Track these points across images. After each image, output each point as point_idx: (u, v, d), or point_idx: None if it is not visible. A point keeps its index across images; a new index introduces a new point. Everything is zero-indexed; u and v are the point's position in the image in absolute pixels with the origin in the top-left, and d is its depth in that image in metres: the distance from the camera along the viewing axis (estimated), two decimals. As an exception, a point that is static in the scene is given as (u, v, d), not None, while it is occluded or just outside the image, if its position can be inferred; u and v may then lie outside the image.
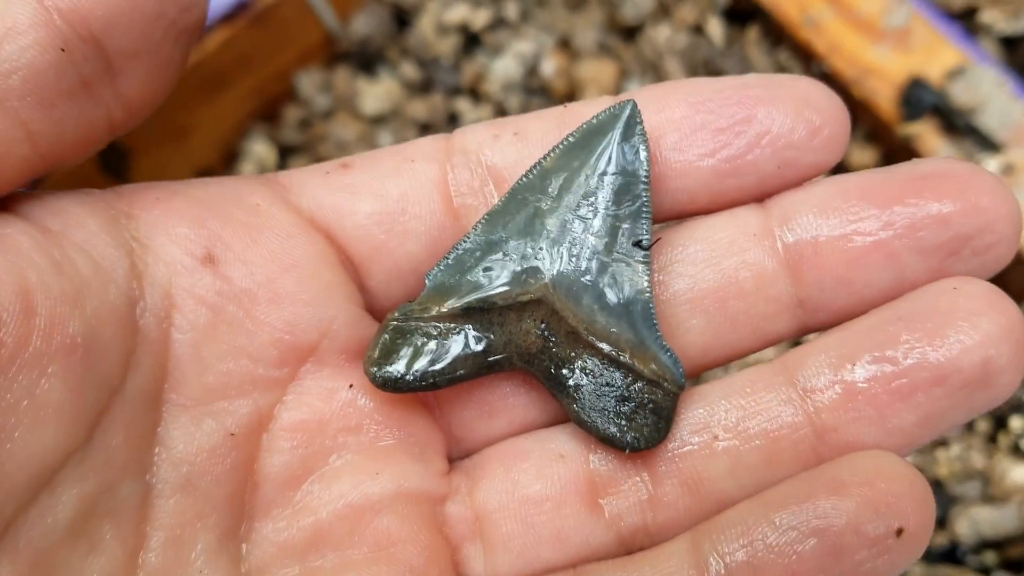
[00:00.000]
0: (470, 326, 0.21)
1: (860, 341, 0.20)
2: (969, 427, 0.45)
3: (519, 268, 0.21)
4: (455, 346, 0.21)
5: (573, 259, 0.21)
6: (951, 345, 0.19)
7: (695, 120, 0.22)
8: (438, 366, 0.21)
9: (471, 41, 0.55)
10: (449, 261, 0.22)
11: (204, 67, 0.50)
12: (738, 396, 0.21)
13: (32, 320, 0.17)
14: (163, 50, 0.19)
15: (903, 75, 0.45)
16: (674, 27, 0.51)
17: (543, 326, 0.21)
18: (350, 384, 0.22)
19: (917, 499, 0.18)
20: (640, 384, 0.21)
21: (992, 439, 0.44)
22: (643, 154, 0.21)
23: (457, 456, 0.23)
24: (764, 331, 0.22)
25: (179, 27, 0.19)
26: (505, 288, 0.21)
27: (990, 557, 0.43)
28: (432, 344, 0.21)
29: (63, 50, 0.18)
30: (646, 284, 0.21)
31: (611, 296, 0.21)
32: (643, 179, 0.21)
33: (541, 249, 0.22)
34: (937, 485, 0.44)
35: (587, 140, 0.22)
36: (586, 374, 0.21)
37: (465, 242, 0.22)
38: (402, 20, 0.56)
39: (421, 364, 0.21)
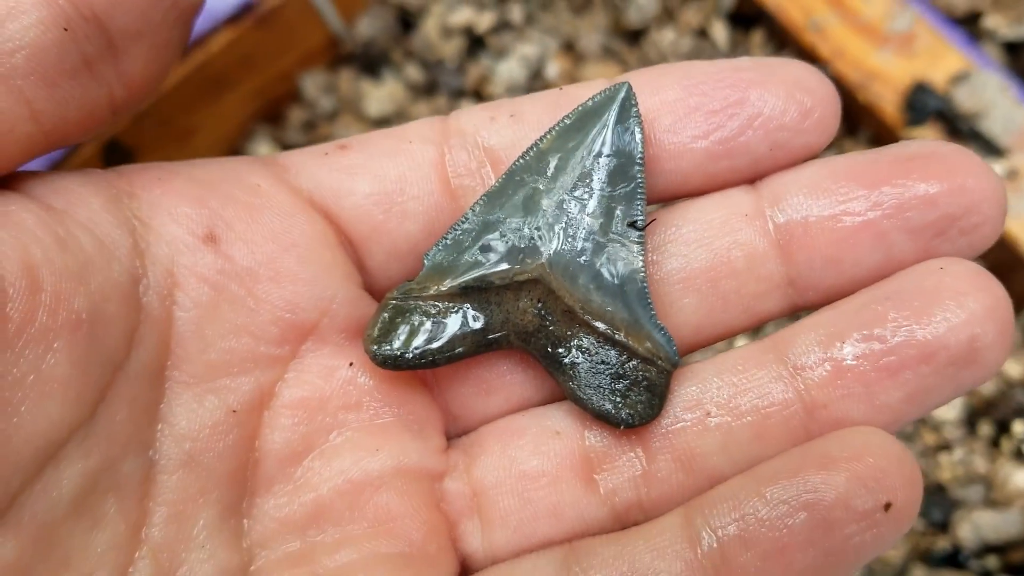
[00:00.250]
0: (468, 305, 0.22)
1: (849, 320, 0.21)
2: (972, 431, 0.45)
3: (516, 248, 0.22)
4: (453, 325, 0.22)
5: (569, 239, 0.22)
6: (938, 323, 0.20)
7: (689, 102, 0.22)
8: (437, 344, 0.21)
9: (475, 44, 0.55)
10: (447, 241, 0.22)
11: (208, 68, 0.50)
12: (730, 373, 0.21)
13: (38, 296, 0.18)
14: (163, 31, 0.20)
15: (907, 80, 0.45)
16: (678, 31, 0.52)
17: (540, 305, 0.22)
18: (350, 362, 0.22)
19: (905, 475, 0.19)
20: (634, 362, 0.21)
21: (995, 443, 0.44)
22: (638, 136, 0.22)
23: (455, 433, 0.24)
24: (755, 310, 0.22)
25: (179, 8, 0.20)
26: (502, 267, 0.22)
27: (992, 561, 0.43)
28: (431, 323, 0.22)
29: (66, 29, 0.18)
30: (641, 264, 0.21)
31: (606, 276, 0.22)
32: (638, 160, 0.22)
33: (538, 229, 0.22)
34: (940, 489, 0.44)
35: (583, 122, 0.22)
36: (582, 352, 0.21)
37: (463, 222, 0.22)
38: (406, 22, 0.56)
39: (420, 342, 0.21)
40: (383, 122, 0.54)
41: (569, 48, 0.54)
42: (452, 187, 0.23)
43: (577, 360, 0.22)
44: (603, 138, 0.22)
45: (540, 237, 0.22)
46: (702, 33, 0.52)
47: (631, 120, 0.22)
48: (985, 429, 0.44)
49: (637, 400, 0.21)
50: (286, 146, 0.55)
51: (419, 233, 0.23)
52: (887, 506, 0.18)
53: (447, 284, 0.22)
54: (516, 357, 0.23)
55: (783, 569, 0.19)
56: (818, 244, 0.21)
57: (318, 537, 0.21)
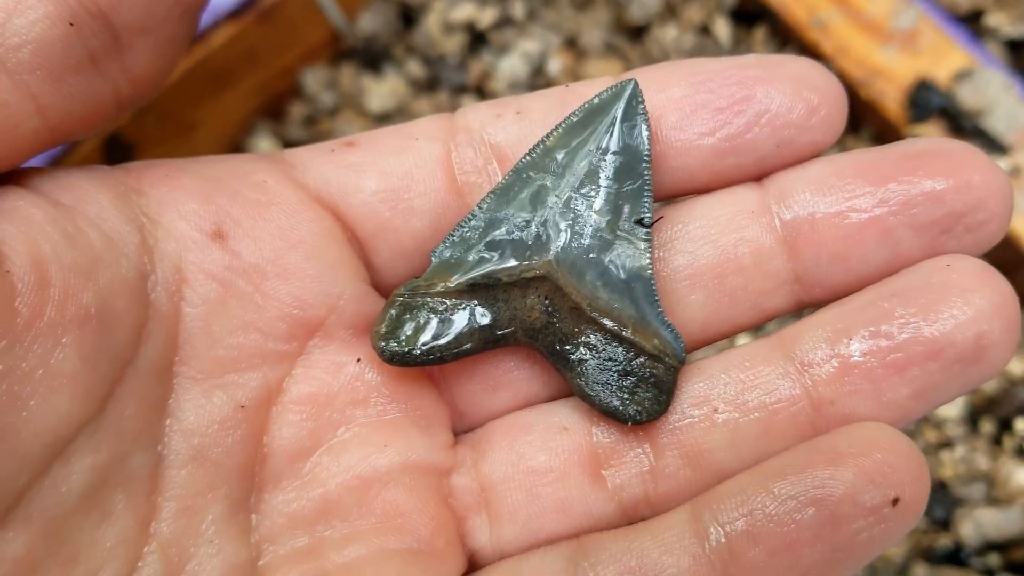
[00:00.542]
0: (475, 302, 0.22)
1: (856, 316, 0.21)
2: (974, 429, 0.45)
3: (523, 245, 0.22)
4: (461, 321, 0.22)
5: (576, 236, 0.22)
6: (945, 320, 0.20)
7: (695, 99, 0.22)
8: (444, 340, 0.22)
9: (477, 40, 0.55)
10: (454, 238, 0.22)
11: (210, 63, 0.50)
12: (737, 370, 0.21)
13: (46, 291, 0.18)
14: (168, 27, 0.20)
15: (911, 77, 0.45)
16: (681, 27, 0.51)
17: (547, 302, 0.22)
18: (357, 358, 0.22)
19: (913, 470, 0.19)
20: (642, 359, 0.21)
21: (997, 441, 0.44)
22: (644, 132, 0.22)
23: (462, 429, 0.24)
24: (762, 306, 0.22)
25: (184, 4, 0.20)
26: (509, 264, 0.22)
27: (994, 559, 0.43)
28: (438, 319, 0.22)
29: (72, 24, 0.18)
30: (647, 261, 0.22)
31: (613, 273, 0.22)
32: (644, 157, 0.22)
33: (545, 226, 0.22)
34: (942, 487, 0.44)
35: (589, 119, 0.22)
36: (589, 349, 0.22)
37: (470, 219, 0.22)
38: (408, 18, 0.56)
39: (427, 339, 0.21)
40: (384, 118, 0.54)
41: (571, 44, 0.53)
42: (459, 184, 0.23)
43: (584, 357, 0.22)
44: (610, 135, 0.22)
45: (547, 234, 0.22)
46: (704, 30, 0.52)
47: (637, 117, 0.22)
48: (987, 427, 0.44)
49: (644, 397, 0.21)
50: (287, 141, 0.54)
51: (426, 230, 0.23)
52: (895, 501, 0.18)
53: (454, 281, 0.22)
54: (523, 353, 0.23)
55: (791, 564, 0.19)
56: (824, 241, 0.21)
57: (326, 532, 0.21)
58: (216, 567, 0.20)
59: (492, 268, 0.22)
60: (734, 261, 0.22)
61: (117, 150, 0.50)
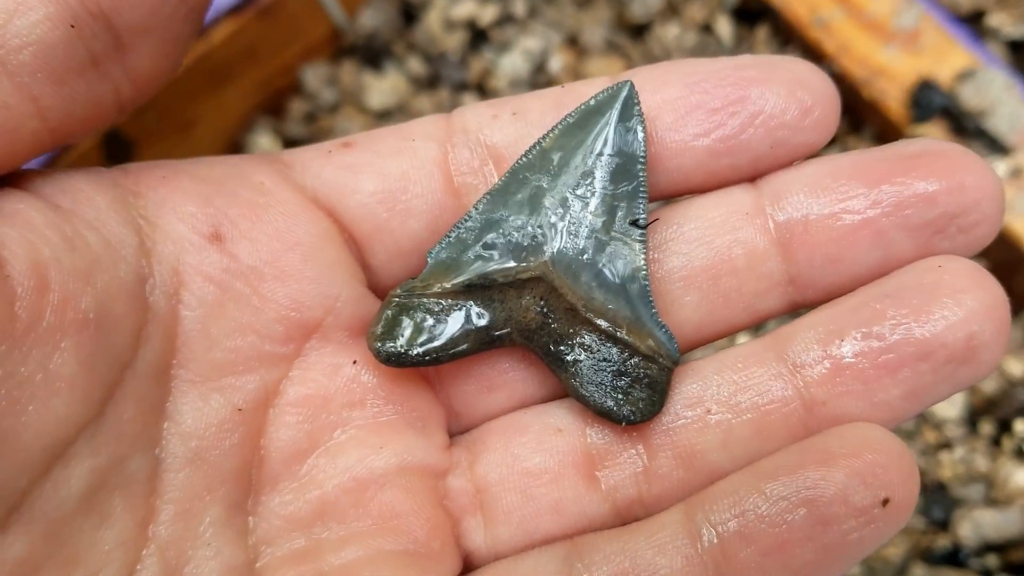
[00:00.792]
0: (471, 303, 0.22)
1: (848, 318, 0.21)
2: (973, 430, 0.45)
3: (519, 246, 0.22)
4: (456, 322, 0.22)
5: (572, 237, 0.22)
6: (936, 321, 0.20)
7: (690, 100, 0.22)
8: (440, 341, 0.22)
9: (478, 37, 0.55)
10: (451, 239, 0.22)
11: (210, 59, 0.50)
12: (730, 371, 0.22)
13: (46, 295, 0.18)
14: (171, 27, 0.20)
15: (913, 77, 0.45)
16: (683, 26, 0.51)
17: (542, 303, 0.22)
18: (354, 360, 0.22)
19: (903, 470, 0.19)
20: (636, 359, 0.21)
21: (996, 442, 0.44)
22: (640, 134, 0.22)
23: (457, 430, 0.24)
24: (756, 308, 0.22)
25: (188, 4, 0.20)
26: (505, 265, 0.22)
27: (992, 560, 0.43)
28: (434, 320, 0.22)
29: (73, 26, 0.18)
30: (642, 262, 0.22)
31: (608, 274, 0.22)
32: (640, 159, 0.22)
33: (541, 227, 0.22)
34: (940, 487, 0.44)
35: (585, 120, 0.22)
36: (584, 350, 0.22)
37: (467, 220, 0.22)
38: (409, 15, 0.56)
39: (423, 339, 0.22)
40: (385, 115, 0.54)
41: (572, 42, 0.53)
42: (455, 185, 0.23)
43: (579, 358, 0.22)
44: (605, 137, 0.22)
45: (543, 235, 0.22)
46: (706, 28, 0.52)
47: (633, 119, 0.22)
48: (986, 428, 0.44)
49: (639, 397, 0.21)
50: (287, 138, 0.54)
51: (423, 231, 0.23)
52: (885, 502, 0.19)
53: (450, 282, 0.22)
54: (518, 354, 0.23)
55: (782, 564, 0.19)
56: (818, 242, 0.21)
57: (323, 534, 0.21)
58: (214, 569, 0.20)
59: (488, 269, 0.22)
60: (728, 263, 0.22)
61: (116, 147, 0.50)
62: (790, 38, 0.49)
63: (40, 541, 0.18)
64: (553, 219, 0.22)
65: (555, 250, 0.22)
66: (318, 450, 0.22)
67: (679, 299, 0.22)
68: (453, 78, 0.54)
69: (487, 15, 0.54)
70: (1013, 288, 0.45)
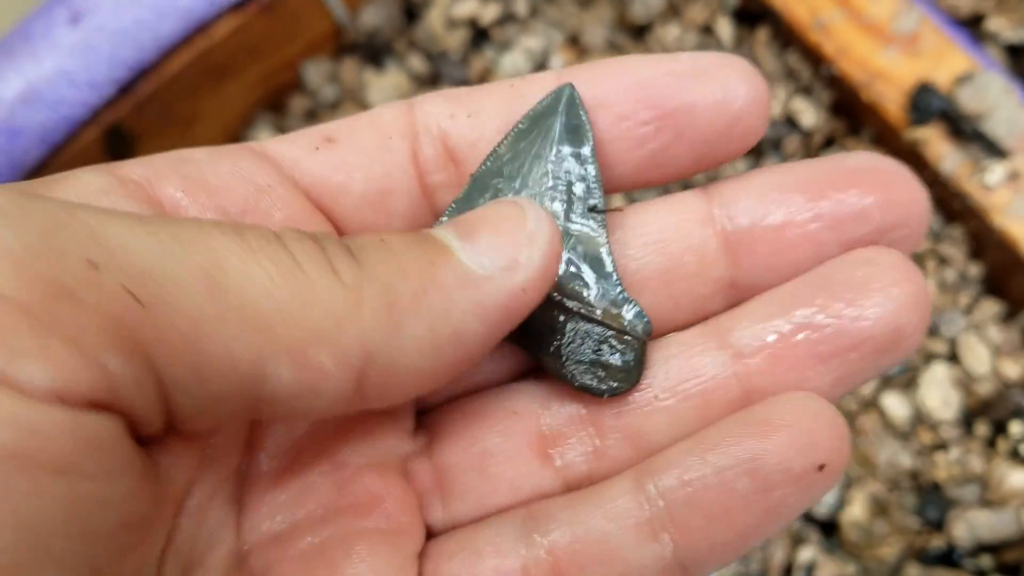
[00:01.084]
0: None
1: (786, 308, 0.22)
2: (968, 431, 0.45)
3: None
4: None
5: None
6: (867, 316, 0.21)
7: (623, 109, 0.23)
8: None
9: (480, 35, 0.55)
10: None
11: (212, 55, 0.50)
12: (676, 358, 0.23)
13: None
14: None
15: (911, 80, 0.45)
16: (683, 27, 0.51)
17: None
18: None
19: (837, 436, 0.20)
20: (610, 336, 0.23)
21: (991, 444, 0.45)
22: (587, 132, 0.23)
23: (420, 410, 0.24)
24: (702, 309, 0.24)
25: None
26: None
27: (986, 560, 0.43)
28: None
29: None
30: (605, 241, 0.23)
31: (575, 258, 0.23)
32: (589, 156, 0.23)
33: None
34: (935, 488, 0.45)
35: (534, 124, 0.23)
36: (559, 332, 0.23)
37: (441, 222, 0.23)
38: (411, 13, 0.56)
39: None
40: (386, 113, 0.54)
41: (574, 42, 0.54)
42: (426, 184, 0.23)
43: (557, 339, 0.23)
44: (554, 138, 0.23)
45: None
46: (707, 30, 0.52)
47: (578, 119, 0.23)
48: (982, 429, 0.45)
49: (616, 372, 0.22)
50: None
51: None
52: (821, 467, 0.20)
53: None
54: None
55: (727, 527, 0.20)
56: (762, 251, 0.23)
57: (302, 515, 0.22)
58: (219, 556, 0.20)
59: None
60: (680, 268, 0.23)
61: (118, 141, 0.50)
62: (790, 40, 0.49)
63: None
64: None
65: None
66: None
67: None
68: (454, 76, 0.54)
69: (489, 14, 0.54)
70: (1011, 290, 0.45)
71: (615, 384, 0.22)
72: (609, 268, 0.23)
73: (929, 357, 0.46)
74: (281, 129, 0.55)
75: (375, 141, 0.23)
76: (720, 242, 0.23)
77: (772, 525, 0.20)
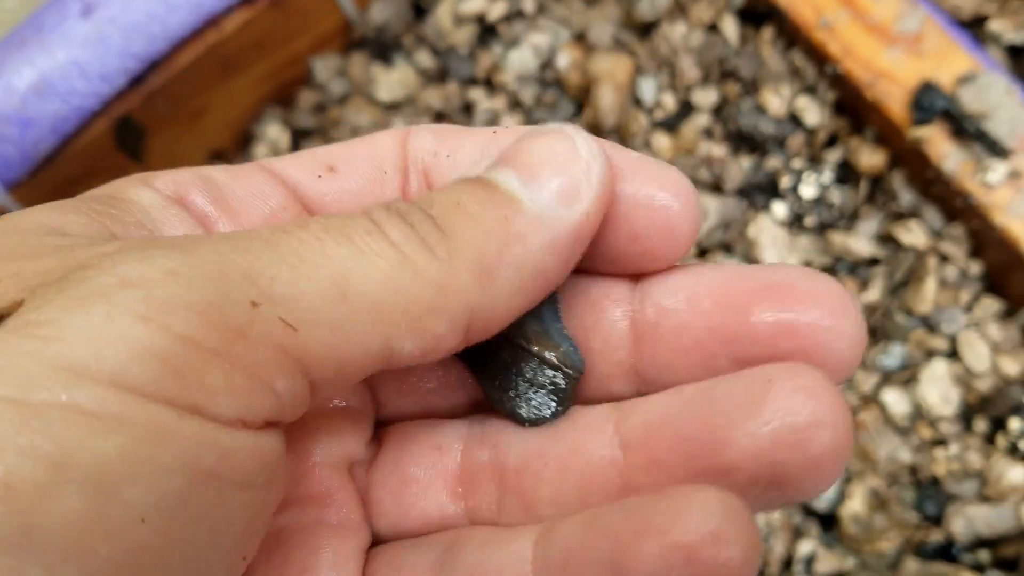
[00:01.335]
0: None
1: (672, 415, 0.20)
2: (968, 427, 0.46)
3: None
4: None
5: None
6: (754, 439, 0.18)
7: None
8: None
9: (487, 32, 0.55)
10: None
11: (221, 49, 0.51)
12: (568, 431, 0.22)
13: None
14: None
15: (915, 79, 0.45)
16: (690, 25, 0.52)
17: None
18: None
19: (745, 539, 0.17)
20: (546, 370, 0.23)
21: (990, 440, 0.45)
22: None
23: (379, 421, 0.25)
24: (605, 389, 0.23)
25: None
26: None
27: (984, 555, 0.44)
28: None
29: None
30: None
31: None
32: None
33: None
34: (934, 483, 0.45)
35: None
36: (503, 364, 0.24)
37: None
38: (419, 9, 0.56)
39: None
40: (393, 107, 0.54)
41: (580, 39, 0.54)
42: None
43: (499, 370, 0.24)
44: None
45: None
46: (713, 28, 0.52)
47: None
48: (981, 425, 0.45)
49: (544, 403, 0.23)
50: (296, 128, 0.55)
51: None
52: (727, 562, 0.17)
53: None
54: (436, 368, 0.25)
55: None
56: (664, 348, 0.22)
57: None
58: None
59: None
60: (585, 344, 0.23)
61: (128, 133, 0.50)
62: (795, 39, 0.50)
63: None
64: None
65: None
66: None
67: None
68: (462, 72, 0.54)
69: (496, 10, 0.54)
70: (1011, 288, 0.46)
71: (540, 415, 0.23)
72: (555, 308, 0.23)
73: (929, 353, 0.47)
74: (289, 123, 0.55)
75: (371, 173, 0.24)
76: (629, 328, 0.22)
77: None
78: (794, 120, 0.50)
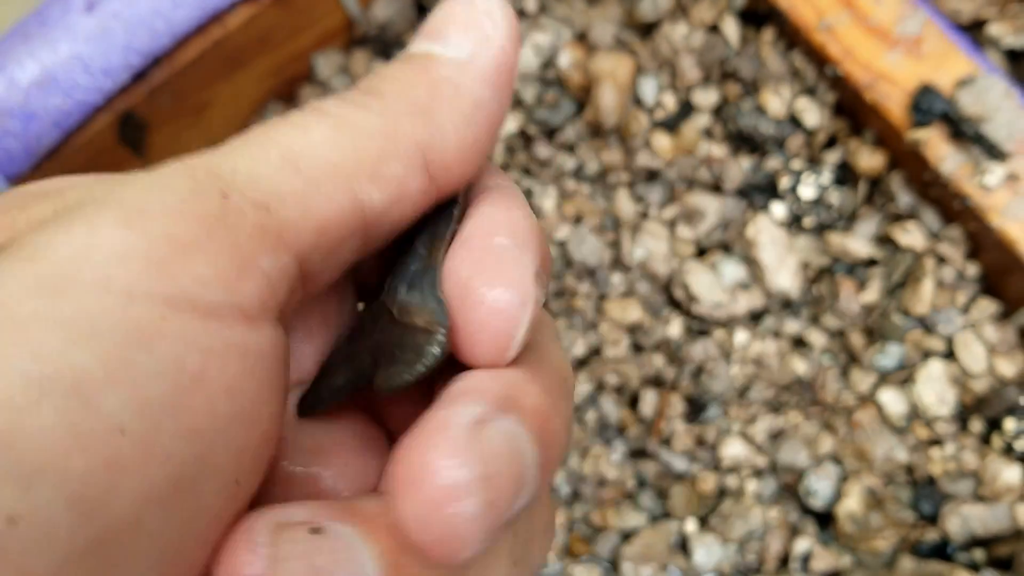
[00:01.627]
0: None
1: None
2: (963, 427, 0.46)
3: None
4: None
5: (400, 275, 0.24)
6: None
7: None
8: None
9: (489, 31, 0.56)
10: None
11: (225, 44, 0.51)
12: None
13: None
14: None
15: (914, 82, 0.46)
16: (691, 25, 0.52)
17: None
18: None
19: None
20: (416, 335, 0.22)
21: (985, 440, 0.46)
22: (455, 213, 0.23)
23: None
24: None
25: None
26: None
27: (979, 554, 0.44)
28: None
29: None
30: (439, 260, 0.22)
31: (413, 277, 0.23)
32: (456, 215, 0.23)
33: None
34: (930, 482, 0.46)
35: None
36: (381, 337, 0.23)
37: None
38: (422, 7, 0.57)
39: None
40: (395, 105, 0.54)
41: (582, 38, 0.54)
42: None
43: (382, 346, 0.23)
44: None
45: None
46: (713, 29, 0.53)
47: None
48: (976, 425, 0.46)
49: (410, 363, 0.21)
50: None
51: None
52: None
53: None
54: (362, 434, 0.23)
55: None
56: None
57: None
58: None
59: None
60: None
61: (131, 128, 0.50)
62: (795, 41, 0.50)
63: None
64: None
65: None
66: None
67: None
68: (463, 70, 0.54)
69: (498, 9, 0.55)
70: (1007, 290, 0.46)
71: (407, 376, 0.21)
72: (433, 277, 0.22)
73: (926, 354, 0.47)
74: (291, 119, 0.55)
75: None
76: None
77: None
78: (794, 121, 0.51)
